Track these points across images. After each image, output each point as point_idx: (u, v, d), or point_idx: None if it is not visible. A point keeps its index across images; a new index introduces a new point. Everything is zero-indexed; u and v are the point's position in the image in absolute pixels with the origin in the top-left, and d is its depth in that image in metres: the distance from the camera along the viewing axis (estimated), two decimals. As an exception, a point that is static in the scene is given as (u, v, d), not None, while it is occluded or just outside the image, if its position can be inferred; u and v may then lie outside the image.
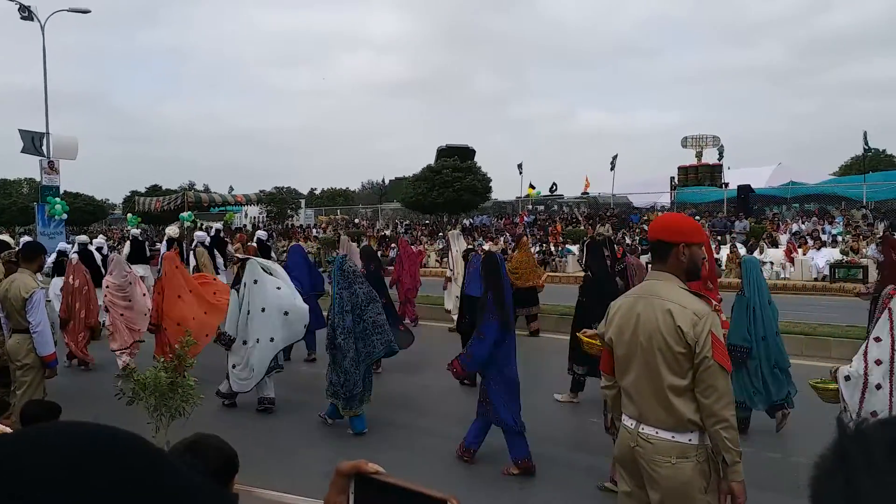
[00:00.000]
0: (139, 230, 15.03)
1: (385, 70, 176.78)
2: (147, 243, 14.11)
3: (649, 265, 3.21)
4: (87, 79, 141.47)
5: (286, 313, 6.62)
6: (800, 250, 18.31)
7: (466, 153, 36.19)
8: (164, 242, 13.62)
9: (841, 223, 21.96)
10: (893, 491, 0.59)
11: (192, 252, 12.56)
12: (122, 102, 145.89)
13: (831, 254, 17.40)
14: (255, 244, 13.07)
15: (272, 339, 6.53)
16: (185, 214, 28.17)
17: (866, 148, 27.91)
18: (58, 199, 22.74)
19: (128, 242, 13.60)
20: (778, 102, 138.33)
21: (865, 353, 3.81)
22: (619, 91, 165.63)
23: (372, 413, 6.10)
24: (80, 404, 6.38)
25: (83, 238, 11.57)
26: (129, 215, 29.59)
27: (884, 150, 40.18)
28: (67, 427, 0.54)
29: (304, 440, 5.90)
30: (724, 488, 2.56)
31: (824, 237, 19.48)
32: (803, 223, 23.27)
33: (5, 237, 9.68)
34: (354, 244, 10.95)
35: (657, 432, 2.60)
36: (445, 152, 35.53)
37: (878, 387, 3.67)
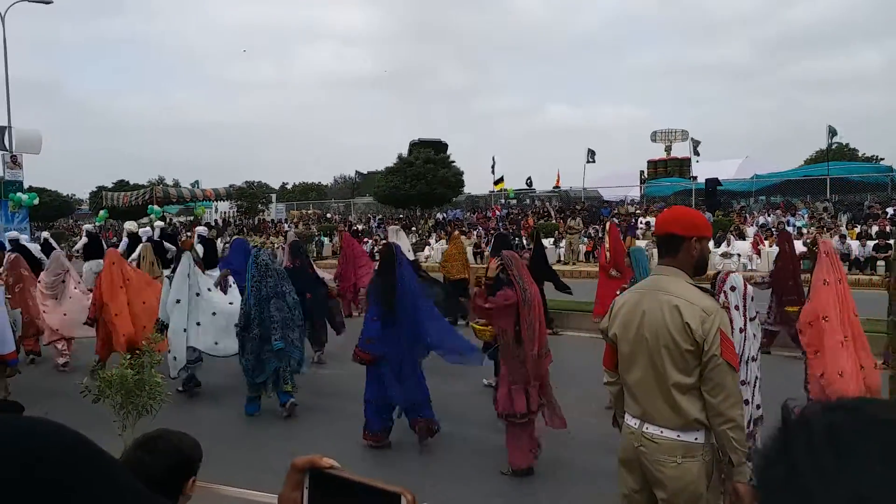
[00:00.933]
0: (93, 225, 15.34)
1: (351, 64, 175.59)
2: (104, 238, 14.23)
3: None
4: (45, 69, 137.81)
5: (214, 313, 7.05)
6: (766, 242, 18.68)
7: (440, 147, 36.19)
8: (125, 238, 13.51)
9: (805, 215, 22.44)
10: (834, 477, 0.60)
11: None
12: (82, 94, 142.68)
13: (796, 246, 17.78)
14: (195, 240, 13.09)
15: (199, 324, 6.96)
16: (154, 209, 27.78)
17: (832, 140, 28.53)
18: (22, 193, 22.23)
19: (83, 237, 13.57)
20: (742, 99, 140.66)
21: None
22: (587, 87, 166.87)
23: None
24: (46, 403, 6.23)
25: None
26: (101, 212, 29.09)
27: (846, 144, 41.16)
28: None
29: (305, 443, 5.65)
30: (729, 489, 2.53)
31: (789, 229, 19.89)
32: (769, 216, 23.71)
33: None
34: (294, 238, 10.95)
35: (662, 431, 2.54)
36: (418, 146, 35.47)
37: (754, 359, 4.07)
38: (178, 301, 6.95)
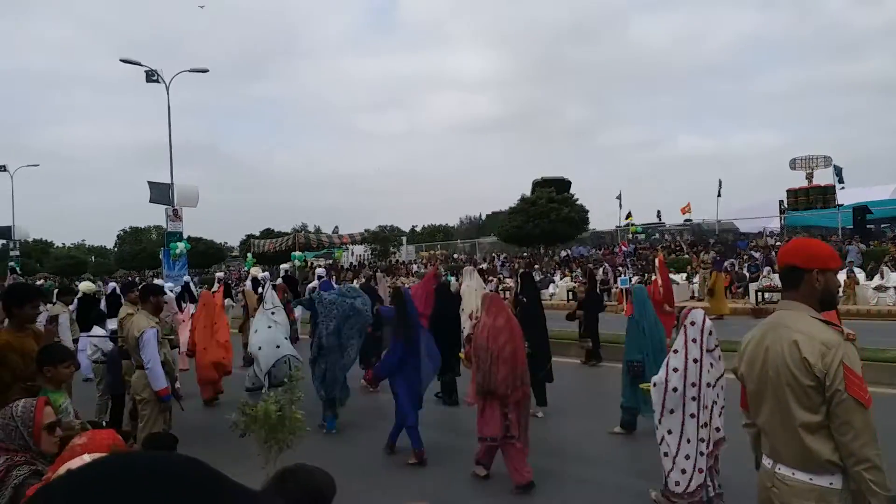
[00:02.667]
0: (87, 285, 11.70)
1: (473, 109, 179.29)
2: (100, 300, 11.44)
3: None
4: (202, 131, 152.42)
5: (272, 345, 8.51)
6: (927, 274, 16.94)
7: (562, 185, 36.08)
8: (248, 281, 15.23)
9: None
10: None
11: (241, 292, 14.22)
12: (233, 152, 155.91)
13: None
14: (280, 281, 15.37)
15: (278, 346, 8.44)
16: (297, 254, 29.88)
17: None
18: (180, 242, 24.77)
19: (75, 300, 10.26)
20: (890, 116, 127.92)
21: (667, 363, 4.69)
22: (715, 114, 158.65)
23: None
24: (199, 437, 6.81)
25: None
26: (249, 255, 31.69)
27: None
28: (129, 456, 0.64)
29: (441, 482, 5.78)
30: None
31: (956, 259, 17.95)
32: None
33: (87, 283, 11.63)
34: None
35: (794, 473, 2.41)
36: (541, 185, 35.60)
37: (675, 390, 4.58)
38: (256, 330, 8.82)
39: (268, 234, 44.30)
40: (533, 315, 7.88)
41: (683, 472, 4.50)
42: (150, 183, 25.64)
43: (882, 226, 26.92)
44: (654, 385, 4.71)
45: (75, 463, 2.01)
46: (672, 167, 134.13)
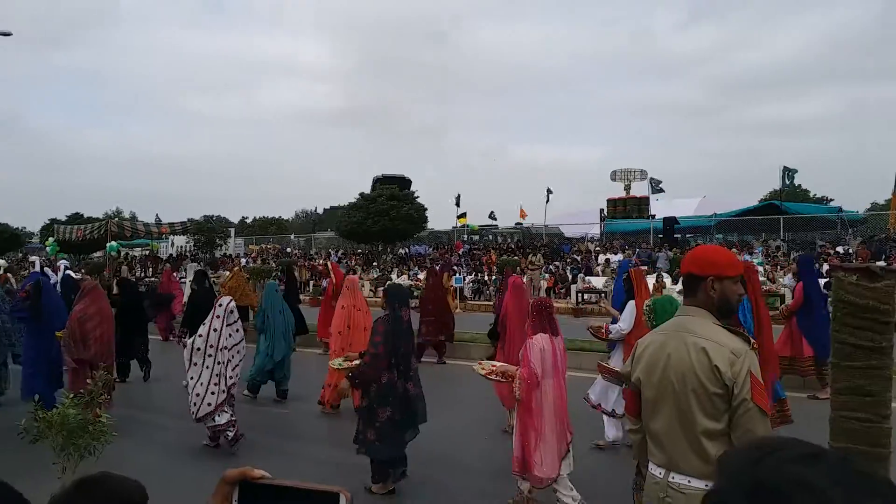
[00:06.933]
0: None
1: (314, 101, 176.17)
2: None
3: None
4: (1, 101, 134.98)
5: None
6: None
7: (403, 183, 36.28)
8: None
9: (760, 253, 23.02)
10: None
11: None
12: (38, 126, 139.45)
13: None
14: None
15: None
16: (112, 244, 27.07)
17: (791, 181, 29.46)
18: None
19: None
20: (699, 139, 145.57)
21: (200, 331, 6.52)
22: (551, 126, 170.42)
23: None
24: None
25: None
26: (49, 239, 28.18)
27: (798, 185, 42.67)
28: None
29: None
30: None
31: (744, 267, 20.39)
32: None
33: None
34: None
35: (689, 481, 2.38)
36: (382, 182, 35.51)
37: (199, 349, 6.33)
38: None
39: (75, 219, 39.82)
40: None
41: (198, 395, 6.21)
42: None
43: (687, 235, 30.03)
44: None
45: None
46: (508, 173, 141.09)
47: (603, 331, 6.48)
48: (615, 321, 6.39)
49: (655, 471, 2.52)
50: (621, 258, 24.25)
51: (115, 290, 10.61)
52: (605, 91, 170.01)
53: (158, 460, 6.11)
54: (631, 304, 6.22)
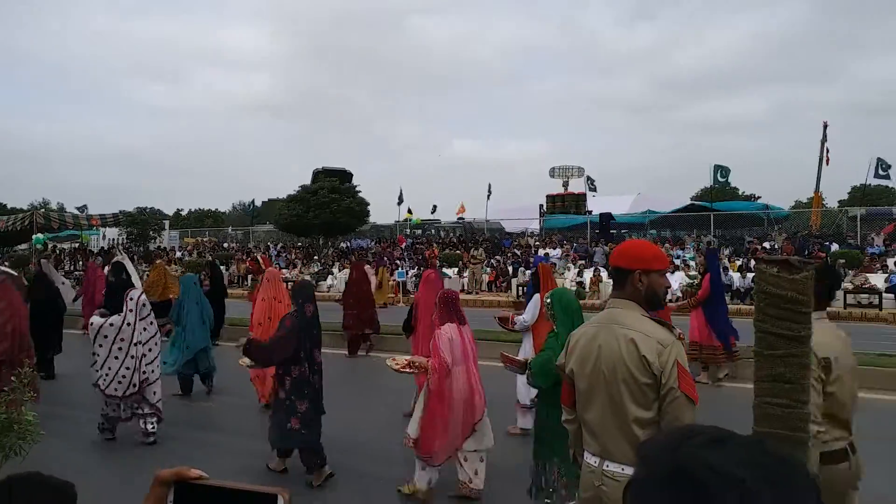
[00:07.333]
0: None
1: (254, 90, 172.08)
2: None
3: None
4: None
5: None
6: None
7: (344, 176, 35.85)
8: None
9: (692, 248, 23.85)
10: None
11: None
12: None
13: (683, 277, 18.84)
14: None
15: None
16: (38, 237, 25.80)
17: (721, 178, 30.55)
18: None
19: None
20: (637, 135, 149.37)
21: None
22: (489, 119, 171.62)
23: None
24: None
25: None
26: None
27: (728, 182, 44.36)
28: None
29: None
30: None
31: (677, 262, 21.07)
32: (659, 249, 24.99)
33: None
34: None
35: (623, 469, 2.43)
36: (323, 174, 34.99)
37: (106, 337, 6.28)
38: None
39: (-3, 209, 37.84)
40: None
41: (119, 381, 6.19)
42: None
43: (622, 231, 30.82)
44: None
45: None
46: (449, 168, 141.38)
47: (510, 322, 6.69)
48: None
49: (590, 459, 2.58)
50: (560, 253, 24.76)
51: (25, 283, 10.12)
52: (544, 86, 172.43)
53: (87, 459, 5.90)
54: (535, 297, 6.41)
